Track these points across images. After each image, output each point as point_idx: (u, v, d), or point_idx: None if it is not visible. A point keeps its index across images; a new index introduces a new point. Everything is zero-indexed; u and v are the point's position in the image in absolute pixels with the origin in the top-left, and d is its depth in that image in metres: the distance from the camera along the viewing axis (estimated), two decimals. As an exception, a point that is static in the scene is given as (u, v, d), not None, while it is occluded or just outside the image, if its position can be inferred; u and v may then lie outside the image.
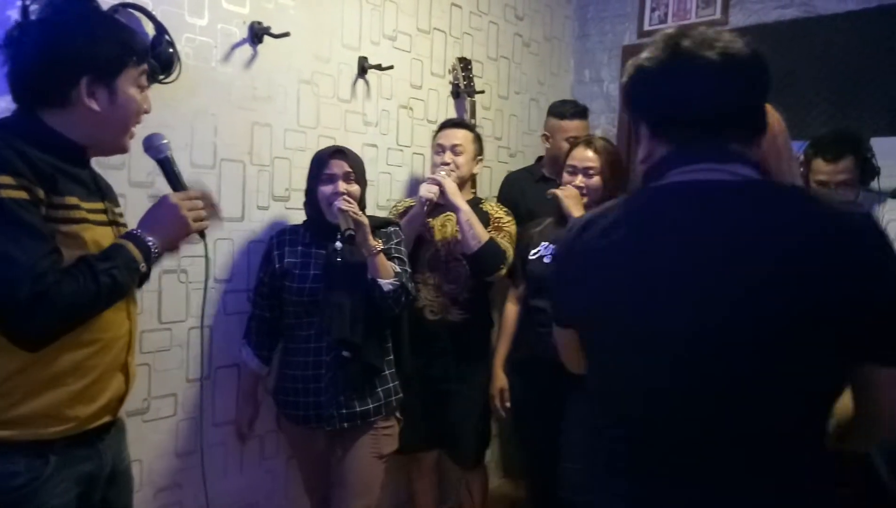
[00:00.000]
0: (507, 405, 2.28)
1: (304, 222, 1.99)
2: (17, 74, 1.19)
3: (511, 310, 2.33)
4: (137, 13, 1.69)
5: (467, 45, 2.80)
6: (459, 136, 2.31)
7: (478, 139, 2.38)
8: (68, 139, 1.21)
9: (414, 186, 2.50)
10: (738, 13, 2.95)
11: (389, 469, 2.03)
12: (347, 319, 1.80)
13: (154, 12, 1.72)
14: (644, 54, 0.97)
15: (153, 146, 1.38)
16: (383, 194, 2.49)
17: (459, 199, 2.18)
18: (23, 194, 1.07)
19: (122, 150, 1.32)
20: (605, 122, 3.37)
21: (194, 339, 1.88)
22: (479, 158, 2.38)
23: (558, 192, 2.08)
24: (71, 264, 1.12)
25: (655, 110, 0.97)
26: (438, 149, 2.32)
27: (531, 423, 2.17)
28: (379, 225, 1.96)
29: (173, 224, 1.28)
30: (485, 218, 2.28)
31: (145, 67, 1.28)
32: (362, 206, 1.89)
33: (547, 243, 2.14)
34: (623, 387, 0.94)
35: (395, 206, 2.47)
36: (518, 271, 2.27)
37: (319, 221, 1.90)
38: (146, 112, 1.30)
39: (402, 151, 2.54)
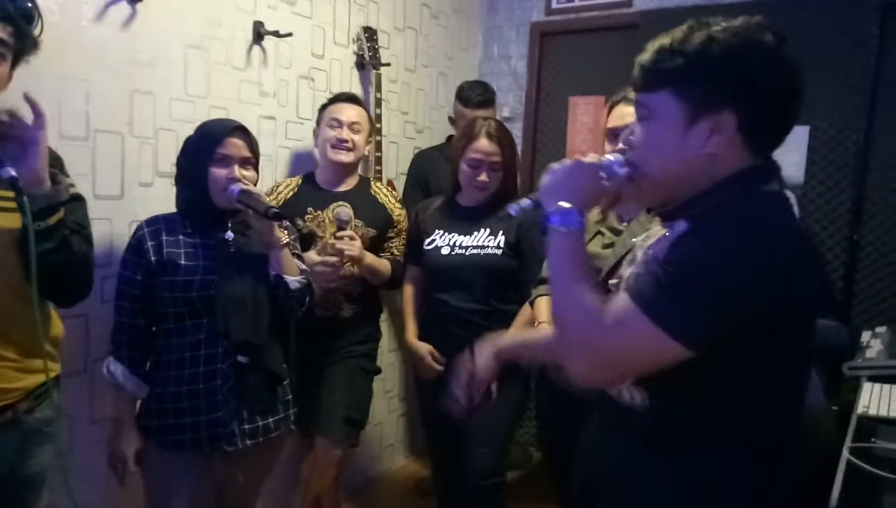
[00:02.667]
0: (441, 367, 2.06)
1: (181, 208, 1.66)
2: None
3: (409, 290, 2.22)
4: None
5: (373, 13, 2.68)
6: (356, 113, 2.14)
7: (370, 118, 2.26)
8: None
9: (314, 161, 2.37)
10: (645, -5, 2.99)
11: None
12: (250, 317, 1.57)
13: (7, -41, 1.49)
14: (766, 37, 0.89)
15: None
16: (281, 171, 2.35)
17: (363, 256, 2.02)
18: None
19: None
20: (512, 100, 3.35)
21: (73, 329, 1.69)
22: (370, 137, 2.27)
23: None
24: None
25: (778, 109, 0.91)
26: (334, 123, 2.12)
27: (438, 407, 2.14)
28: None
29: None
30: (383, 215, 2.17)
31: None
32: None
33: (441, 232, 2.09)
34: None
35: (272, 192, 2.17)
36: (411, 253, 2.19)
37: (204, 205, 1.60)
38: None
39: (302, 124, 2.40)
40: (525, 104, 3.32)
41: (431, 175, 2.73)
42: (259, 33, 2.16)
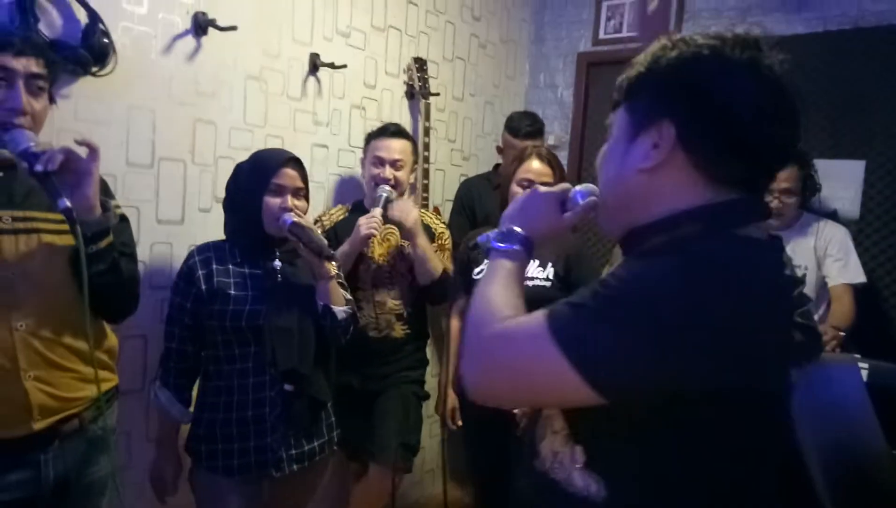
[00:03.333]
0: (459, 423, 2.25)
1: (229, 233, 1.68)
2: None
3: (455, 326, 2.24)
4: (68, -2, 1.55)
5: (423, 44, 2.73)
6: (399, 148, 2.16)
7: (415, 147, 2.28)
8: None
9: (362, 189, 2.41)
10: (691, 27, 2.98)
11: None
12: (296, 347, 1.59)
13: (87, -2, 1.58)
14: (734, 51, 0.75)
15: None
16: (331, 197, 2.40)
17: (419, 231, 2.09)
18: None
19: None
20: (558, 129, 3.36)
21: (132, 349, 1.76)
22: (415, 166, 2.29)
23: None
24: None
25: (749, 139, 0.75)
26: (376, 161, 2.15)
27: (484, 439, 2.13)
28: None
29: None
30: (428, 232, 2.21)
31: None
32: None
33: None
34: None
35: (319, 219, 2.23)
36: (458, 284, 2.19)
37: (255, 233, 1.63)
38: (14, 110, 1.20)
39: (353, 152, 2.45)
40: (571, 133, 3.33)
41: (477, 202, 2.75)
42: (315, 65, 2.23)
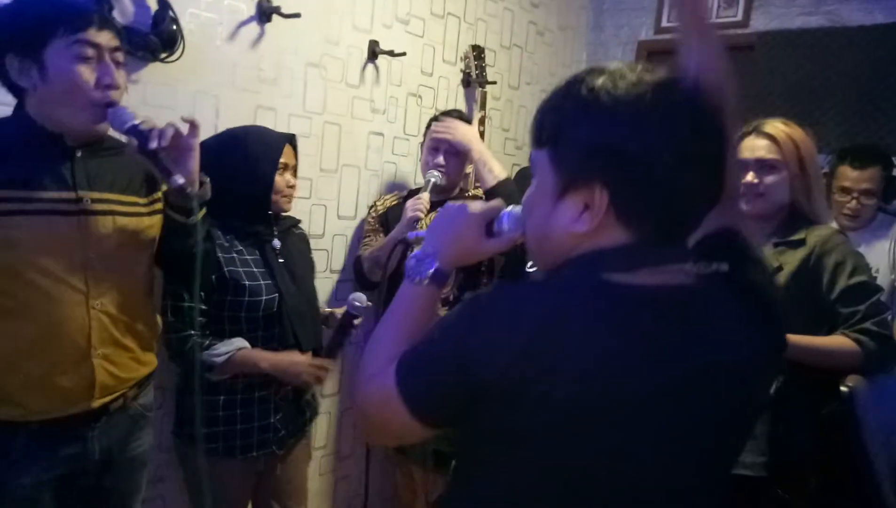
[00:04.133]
0: None
1: (219, 214, 1.51)
2: None
3: None
4: (140, -14, 1.58)
5: (481, 31, 2.70)
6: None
7: None
8: (43, 130, 1.19)
9: (418, 176, 2.41)
10: (761, 17, 2.86)
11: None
12: (309, 327, 1.64)
13: (157, -15, 1.61)
14: (623, 86, 0.70)
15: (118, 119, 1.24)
16: (386, 185, 2.40)
17: (474, 140, 2.09)
18: None
19: (91, 131, 1.24)
20: (615, 118, 3.28)
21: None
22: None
23: None
24: None
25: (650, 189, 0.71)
26: (433, 146, 2.12)
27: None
28: (294, 224, 1.82)
29: None
30: None
31: (84, 35, 1.17)
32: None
33: None
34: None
35: (373, 206, 2.23)
36: (512, 277, 2.15)
37: (255, 213, 1.62)
38: (109, 86, 1.20)
39: (408, 140, 2.44)
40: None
41: (530, 193, 2.72)
42: (374, 52, 2.22)
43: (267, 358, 1.58)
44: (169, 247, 1.39)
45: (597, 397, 0.68)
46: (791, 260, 1.50)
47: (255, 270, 1.60)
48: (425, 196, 2.03)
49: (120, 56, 1.24)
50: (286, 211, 1.75)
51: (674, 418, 0.71)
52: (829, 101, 2.63)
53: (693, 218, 0.76)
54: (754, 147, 1.56)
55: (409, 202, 2.02)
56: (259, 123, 1.93)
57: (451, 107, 2.53)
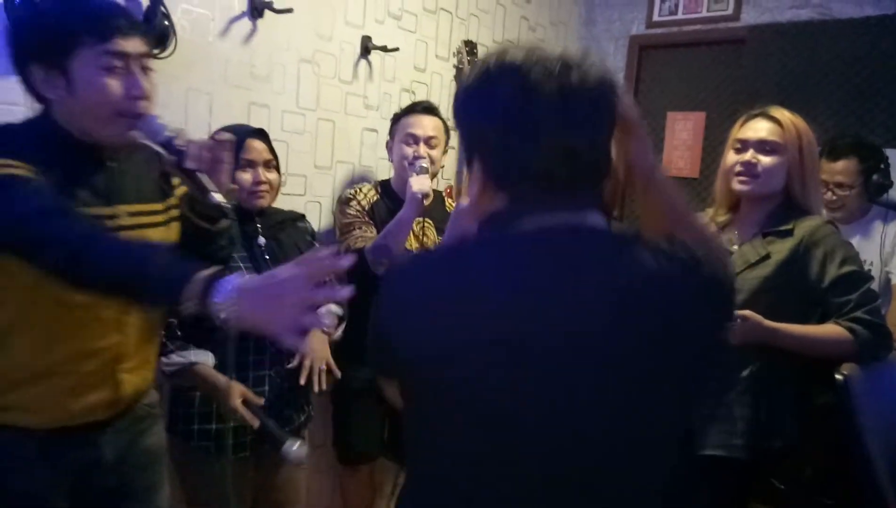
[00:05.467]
0: None
1: None
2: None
3: None
4: (131, -19, 1.57)
5: (473, 27, 2.70)
6: (433, 126, 2.03)
7: (447, 126, 2.12)
8: (72, 137, 1.15)
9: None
10: (751, 10, 2.87)
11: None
12: None
13: (149, -19, 1.60)
14: (473, 77, 0.80)
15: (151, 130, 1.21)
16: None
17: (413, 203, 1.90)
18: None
19: (119, 143, 1.20)
20: (607, 113, 3.29)
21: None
22: (447, 146, 2.17)
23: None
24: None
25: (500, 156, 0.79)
26: (409, 139, 2.01)
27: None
28: (295, 219, 1.81)
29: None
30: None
31: (111, 46, 1.12)
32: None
33: None
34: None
35: (352, 198, 2.04)
36: None
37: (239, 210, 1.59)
38: (139, 97, 1.15)
39: (402, 136, 2.43)
40: (620, 118, 3.26)
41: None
42: (367, 48, 2.22)
43: (211, 380, 1.52)
44: (189, 252, 1.34)
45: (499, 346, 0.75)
46: (780, 249, 1.51)
47: (241, 266, 1.59)
48: (423, 177, 1.93)
49: (146, 62, 1.20)
50: (262, 207, 1.67)
51: (565, 358, 0.74)
52: (819, 94, 2.64)
53: (562, 177, 0.77)
54: (758, 128, 1.58)
55: (413, 179, 1.89)
56: (253, 120, 1.93)
57: (444, 101, 2.52)
